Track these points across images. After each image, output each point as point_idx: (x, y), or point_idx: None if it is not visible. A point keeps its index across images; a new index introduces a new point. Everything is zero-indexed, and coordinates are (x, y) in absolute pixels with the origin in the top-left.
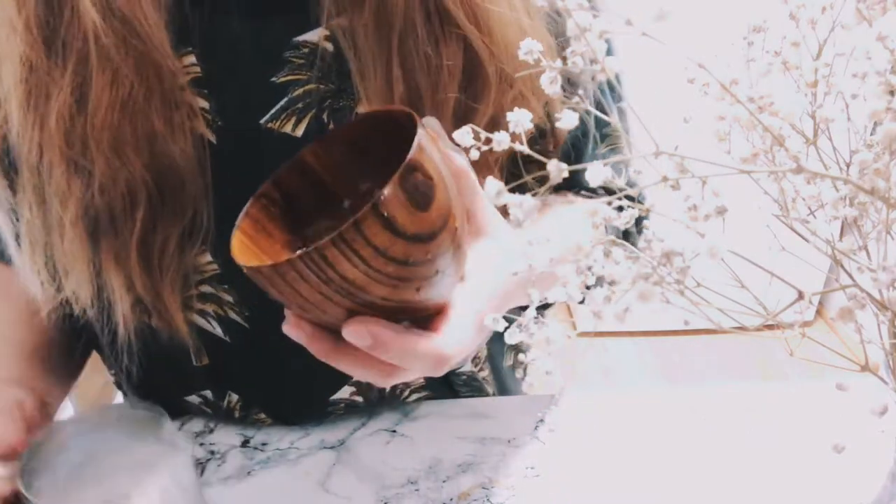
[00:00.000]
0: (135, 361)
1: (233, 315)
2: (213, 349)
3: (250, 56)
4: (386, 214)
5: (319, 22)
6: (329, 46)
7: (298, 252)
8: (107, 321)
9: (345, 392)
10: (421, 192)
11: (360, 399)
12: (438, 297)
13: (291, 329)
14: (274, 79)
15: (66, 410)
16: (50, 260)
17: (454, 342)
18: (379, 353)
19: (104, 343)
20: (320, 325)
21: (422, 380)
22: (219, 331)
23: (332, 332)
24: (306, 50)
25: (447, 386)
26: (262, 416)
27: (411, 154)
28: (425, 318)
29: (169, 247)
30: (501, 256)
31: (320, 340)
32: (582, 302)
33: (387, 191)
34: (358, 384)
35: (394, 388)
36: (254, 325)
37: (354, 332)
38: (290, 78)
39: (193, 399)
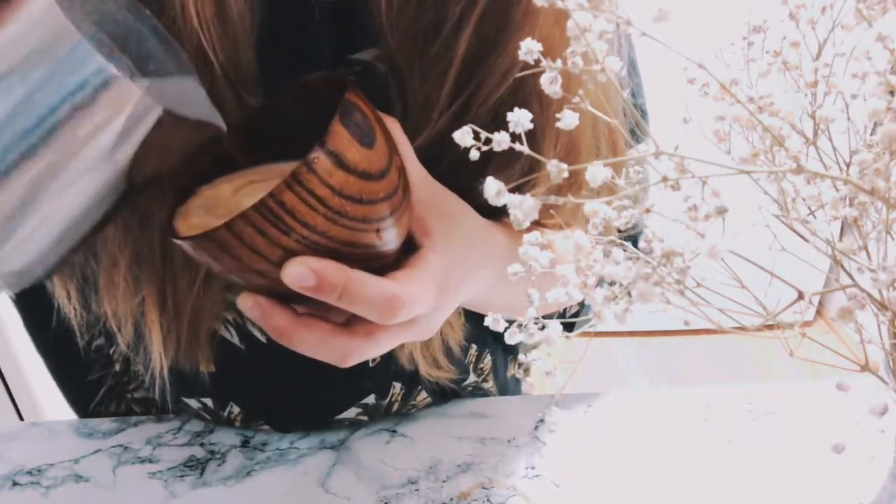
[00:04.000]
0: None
1: (251, 326)
2: (224, 358)
3: (303, 67)
4: (335, 151)
5: (373, 41)
6: (382, 68)
7: (254, 202)
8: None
9: (351, 413)
10: (363, 130)
11: (365, 418)
12: (395, 241)
13: (246, 302)
14: None
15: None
16: (80, 278)
17: (409, 289)
18: (326, 293)
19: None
20: (277, 298)
21: (428, 397)
22: (235, 339)
23: (290, 309)
24: (359, 69)
25: (455, 398)
26: (265, 427)
27: (347, 94)
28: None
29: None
30: (460, 228)
31: (278, 315)
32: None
33: (332, 127)
34: (365, 405)
35: (401, 405)
36: (270, 338)
37: (294, 274)
38: None
39: (192, 402)
